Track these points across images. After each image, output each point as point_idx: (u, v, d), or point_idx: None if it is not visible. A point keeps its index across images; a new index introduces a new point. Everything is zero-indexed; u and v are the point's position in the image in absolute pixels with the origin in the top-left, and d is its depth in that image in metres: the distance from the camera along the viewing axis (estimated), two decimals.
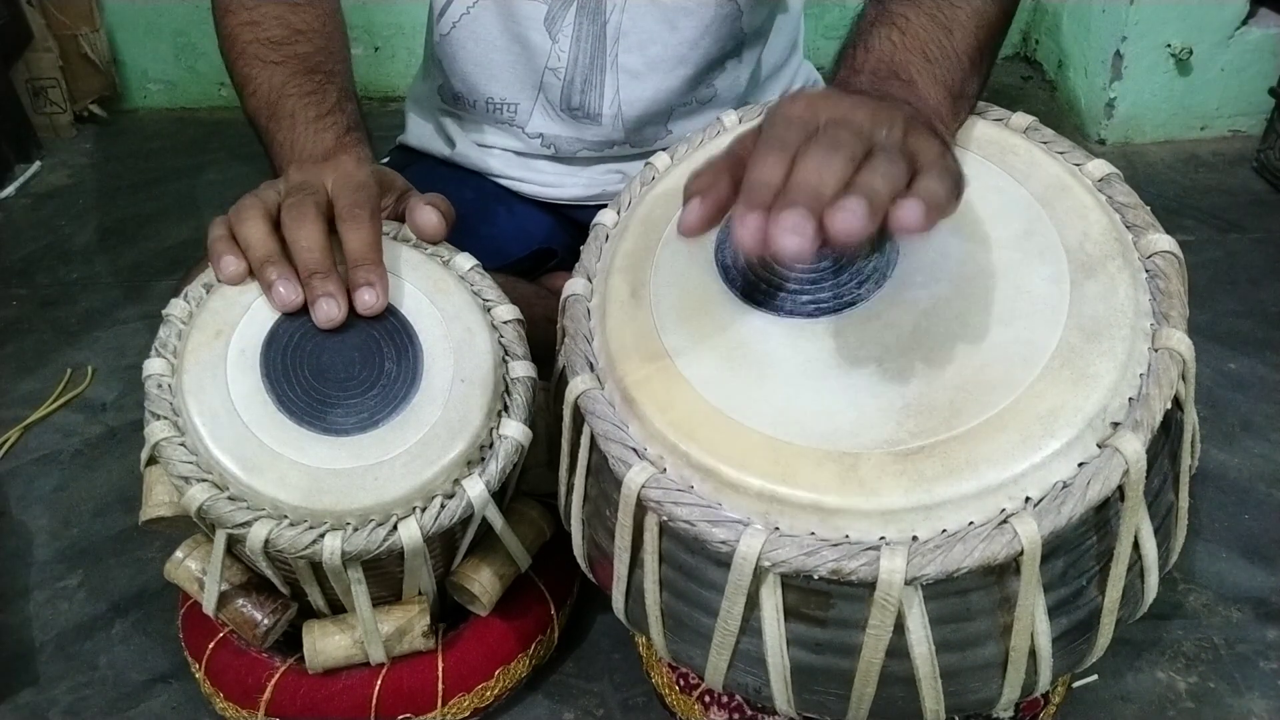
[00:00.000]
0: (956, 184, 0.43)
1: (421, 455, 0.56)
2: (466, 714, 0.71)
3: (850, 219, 0.38)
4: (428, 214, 0.63)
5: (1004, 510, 0.44)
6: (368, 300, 0.58)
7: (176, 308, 0.60)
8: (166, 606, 0.85)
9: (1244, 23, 1.48)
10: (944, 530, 0.44)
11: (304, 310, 0.58)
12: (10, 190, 1.58)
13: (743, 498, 0.46)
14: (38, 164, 1.65)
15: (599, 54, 0.79)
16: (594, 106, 0.81)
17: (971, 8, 0.54)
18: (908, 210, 0.39)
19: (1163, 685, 0.77)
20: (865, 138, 0.42)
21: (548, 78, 0.81)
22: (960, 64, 0.53)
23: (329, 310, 0.57)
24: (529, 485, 0.69)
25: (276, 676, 0.69)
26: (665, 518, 0.47)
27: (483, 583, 0.67)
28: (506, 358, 0.61)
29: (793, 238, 0.38)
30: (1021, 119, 0.57)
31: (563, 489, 0.61)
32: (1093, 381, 0.45)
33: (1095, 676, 0.77)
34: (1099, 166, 0.54)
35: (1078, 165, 0.54)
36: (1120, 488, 0.45)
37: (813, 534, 0.45)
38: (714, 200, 0.44)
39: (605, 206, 0.61)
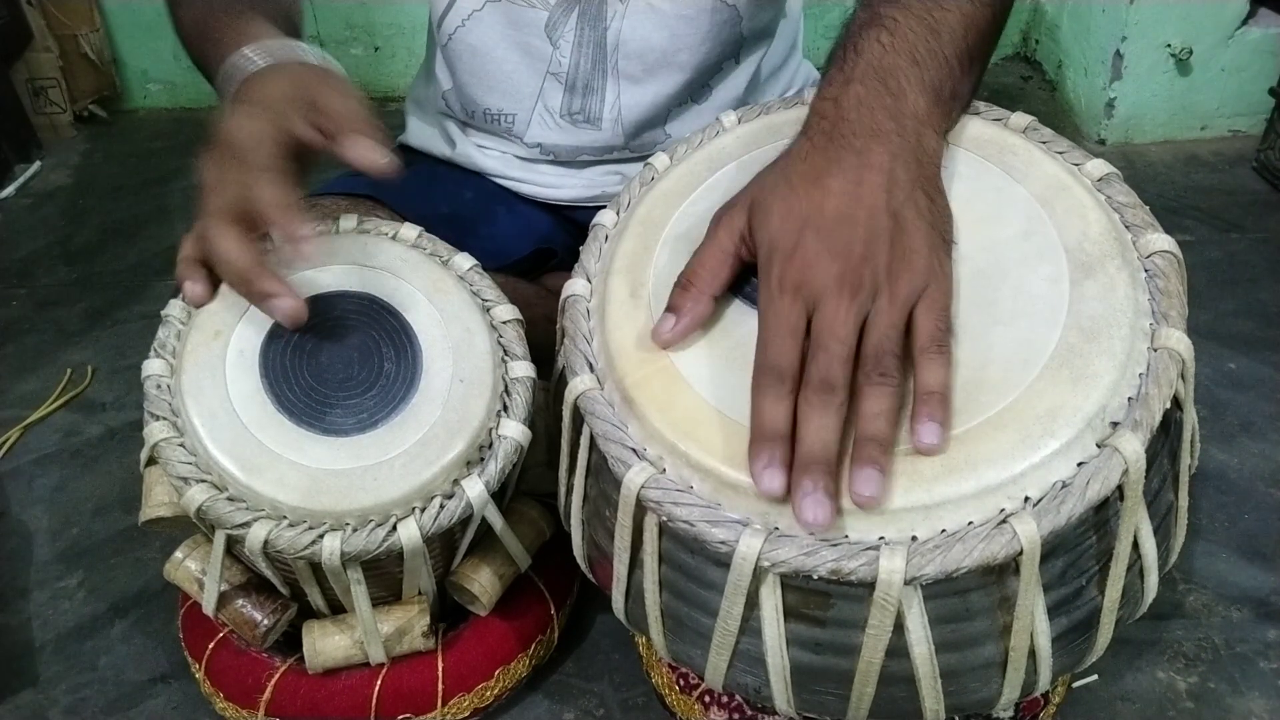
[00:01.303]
0: (945, 309, 0.47)
1: (420, 456, 0.56)
2: (466, 714, 0.71)
3: (868, 490, 0.43)
4: (364, 149, 0.54)
5: (1003, 510, 0.44)
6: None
7: (175, 308, 0.60)
8: (166, 606, 0.85)
9: (1244, 23, 1.48)
10: (943, 530, 0.44)
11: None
12: (10, 190, 1.58)
13: (742, 498, 0.46)
14: (38, 164, 1.65)
15: (600, 60, 0.79)
16: (594, 111, 0.81)
17: (961, 12, 0.54)
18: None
19: (1163, 685, 0.77)
20: (853, 331, 0.46)
21: (549, 83, 0.81)
22: (949, 66, 0.53)
23: (290, 308, 0.55)
24: (529, 485, 0.69)
25: (276, 676, 0.69)
26: (665, 518, 0.47)
27: (483, 583, 0.67)
28: (505, 358, 0.61)
29: (818, 512, 0.43)
30: (1020, 119, 0.57)
31: (562, 489, 0.61)
32: (1092, 381, 0.45)
33: (1095, 676, 0.77)
34: (1098, 166, 0.54)
35: (1077, 165, 0.54)
36: (1120, 487, 0.45)
37: (812, 534, 0.45)
38: (690, 320, 0.50)
39: (605, 207, 0.61)
